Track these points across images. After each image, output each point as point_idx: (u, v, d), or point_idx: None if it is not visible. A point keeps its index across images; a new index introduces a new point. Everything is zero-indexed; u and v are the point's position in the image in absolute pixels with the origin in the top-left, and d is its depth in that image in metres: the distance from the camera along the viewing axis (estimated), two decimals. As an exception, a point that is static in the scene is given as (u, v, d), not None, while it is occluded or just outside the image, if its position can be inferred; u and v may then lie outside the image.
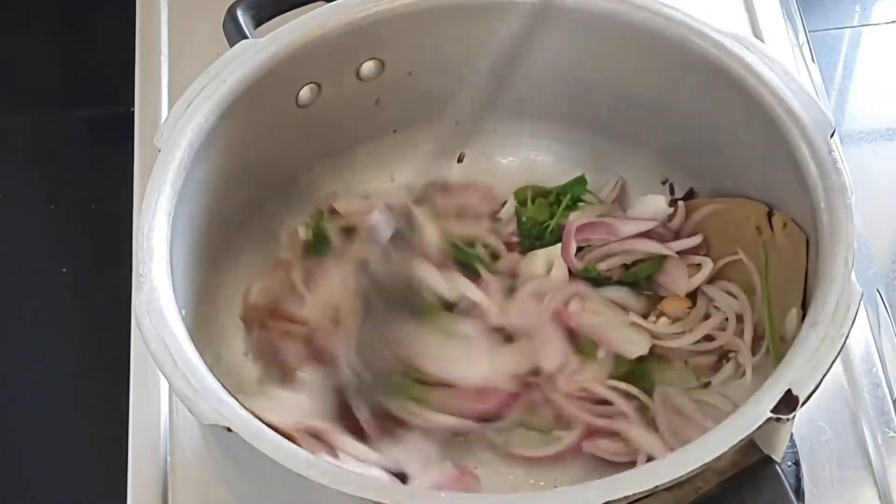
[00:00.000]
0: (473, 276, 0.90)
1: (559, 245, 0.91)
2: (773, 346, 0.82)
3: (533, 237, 0.93)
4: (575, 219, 0.91)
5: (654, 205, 0.91)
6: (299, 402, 0.80)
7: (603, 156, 0.96)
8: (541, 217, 0.93)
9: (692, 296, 0.89)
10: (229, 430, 0.68)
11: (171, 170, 0.79)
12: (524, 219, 0.93)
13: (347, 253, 0.89)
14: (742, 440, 0.67)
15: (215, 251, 0.87)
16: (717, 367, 0.86)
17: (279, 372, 0.85)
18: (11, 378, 1.04)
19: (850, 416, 0.89)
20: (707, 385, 0.85)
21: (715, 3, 1.11)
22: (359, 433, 0.80)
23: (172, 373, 0.71)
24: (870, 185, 1.11)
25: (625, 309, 0.89)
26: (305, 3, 0.92)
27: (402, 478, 0.77)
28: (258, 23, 0.91)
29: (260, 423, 0.69)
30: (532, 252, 0.92)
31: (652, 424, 0.83)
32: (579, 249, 0.90)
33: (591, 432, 0.83)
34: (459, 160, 0.98)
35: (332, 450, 0.77)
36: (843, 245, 0.74)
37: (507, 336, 0.87)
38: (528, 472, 0.84)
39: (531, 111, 0.96)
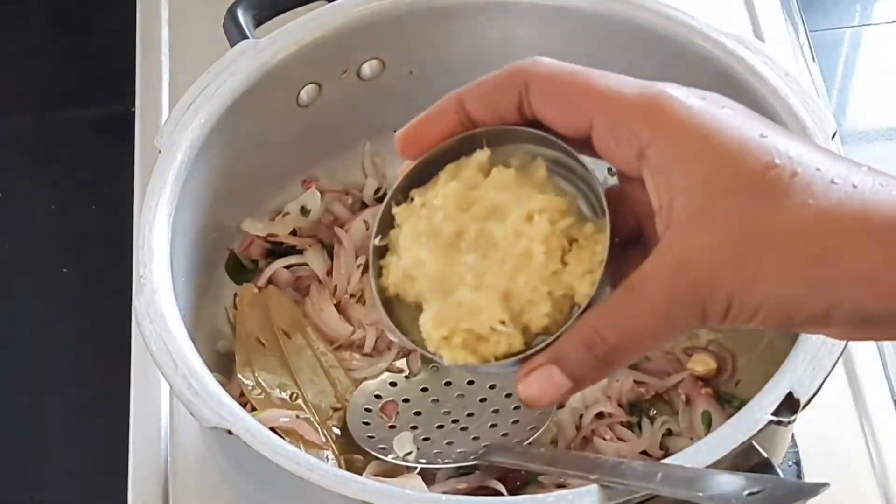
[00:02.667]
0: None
1: None
2: None
3: None
4: None
5: None
6: None
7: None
8: None
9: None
10: (230, 432, 0.68)
11: (172, 171, 0.79)
12: None
13: None
14: (742, 444, 0.67)
15: (216, 253, 0.87)
16: None
17: None
18: (12, 378, 1.04)
19: (851, 416, 0.89)
20: None
21: (716, 3, 1.10)
22: None
23: (173, 375, 0.70)
24: (870, 185, 1.11)
25: None
26: (306, 2, 0.92)
27: None
28: (259, 22, 0.90)
29: (261, 426, 0.69)
30: None
31: None
32: None
33: None
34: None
35: None
36: (845, 246, 0.74)
37: None
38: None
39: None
